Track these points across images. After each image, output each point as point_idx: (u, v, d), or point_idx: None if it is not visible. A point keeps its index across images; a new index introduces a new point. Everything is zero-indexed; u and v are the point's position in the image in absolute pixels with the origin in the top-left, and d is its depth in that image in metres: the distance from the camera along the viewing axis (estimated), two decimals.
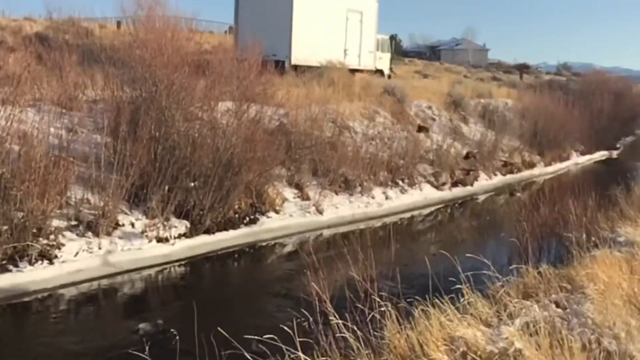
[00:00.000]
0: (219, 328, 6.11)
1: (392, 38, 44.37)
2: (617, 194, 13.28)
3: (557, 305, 7.43)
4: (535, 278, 8.40)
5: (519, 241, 11.56)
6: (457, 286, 7.35)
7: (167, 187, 12.84)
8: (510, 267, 8.83)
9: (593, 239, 10.34)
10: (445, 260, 8.14)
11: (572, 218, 11.75)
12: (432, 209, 19.36)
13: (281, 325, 6.05)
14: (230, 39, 27.18)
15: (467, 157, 22.90)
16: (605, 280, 7.75)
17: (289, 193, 15.99)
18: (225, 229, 13.75)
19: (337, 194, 16.88)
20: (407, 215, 18.32)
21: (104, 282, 11.05)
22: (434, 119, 24.51)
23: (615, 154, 36.30)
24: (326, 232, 15.41)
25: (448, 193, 20.45)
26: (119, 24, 24.17)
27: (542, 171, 26.87)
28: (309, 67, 23.51)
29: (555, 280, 8.26)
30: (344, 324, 6.27)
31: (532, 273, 8.47)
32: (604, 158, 34.55)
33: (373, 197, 17.68)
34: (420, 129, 23.11)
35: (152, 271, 11.80)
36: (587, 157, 32.97)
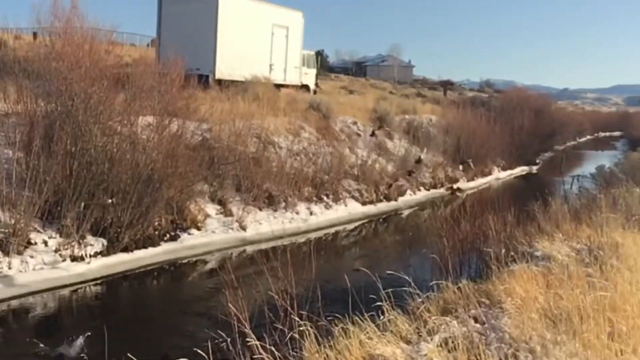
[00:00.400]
0: (129, 353, 5.85)
1: (319, 54, 44.47)
2: (535, 209, 13.51)
3: (476, 321, 7.46)
4: (455, 293, 8.43)
5: (440, 256, 11.63)
6: (378, 303, 7.32)
7: (83, 204, 12.37)
8: (431, 283, 8.86)
9: (512, 253, 10.47)
10: (367, 277, 8.10)
11: (491, 233, 11.93)
12: (357, 224, 19.39)
13: (195, 348, 5.86)
14: (152, 52, 26.63)
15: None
16: (522, 294, 7.83)
17: (212, 209, 15.72)
18: (145, 247, 13.40)
19: (260, 209, 16.71)
20: (332, 230, 18.29)
21: (14, 303, 10.55)
22: (359, 135, 24.62)
23: (535, 169, 37.22)
24: (249, 249, 15.18)
25: (373, 208, 20.53)
26: (35, 35, 23.33)
27: (465, 186, 27.29)
28: (234, 82, 23.21)
29: (474, 295, 8.29)
30: (262, 345, 6.12)
31: (452, 289, 8.50)
32: (524, 173, 35.38)
33: (297, 213, 17.57)
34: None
35: (67, 291, 11.33)
36: (508, 172, 33.69)
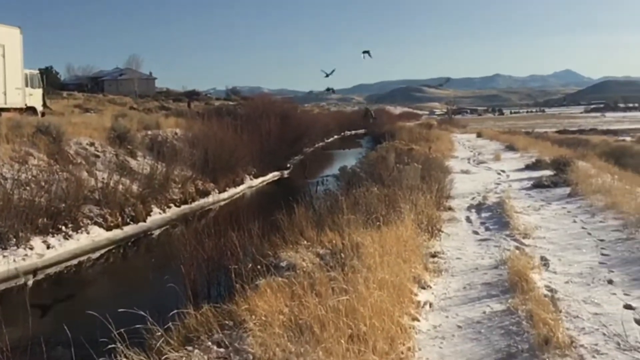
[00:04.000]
0: None
1: (47, 71, 41.65)
2: (280, 218, 13.35)
3: (219, 346, 7.07)
4: (198, 320, 7.95)
5: (186, 280, 11.08)
6: (112, 346, 6.63)
7: None
8: (172, 312, 8.26)
9: (259, 267, 10.17)
10: (106, 316, 7.35)
11: (237, 249, 11.55)
12: (103, 251, 18.15)
13: None
14: None
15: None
16: (266, 309, 7.54)
17: None
18: None
19: None
20: (75, 262, 16.88)
21: None
22: (97, 156, 23.15)
23: (286, 173, 37.93)
24: None
25: (119, 232, 19.35)
26: None
27: (217, 198, 26.92)
28: None
29: (217, 318, 7.92)
30: None
31: (195, 315, 8.01)
32: (276, 178, 35.91)
33: (32, 248, 15.91)
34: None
35: None
36: (261, 179, 33.90)
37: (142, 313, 7.49)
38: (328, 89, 27.97)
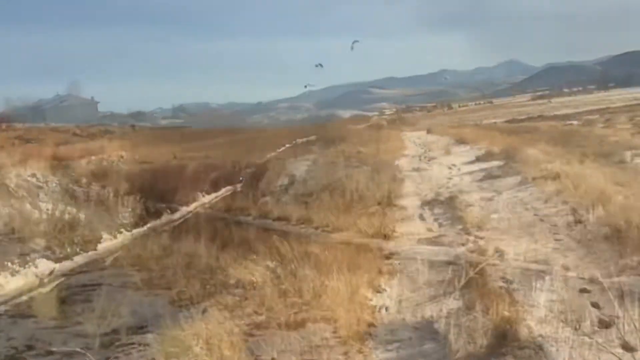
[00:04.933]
0: None
1: None
2: (230, 234, 13.04)
3: None
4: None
5: (133, 309, 10.67)
6: None
7: None
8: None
9: (207, 287, 9.87)
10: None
11: (185, 270, 11.19)
12: (54, 284, 17.46)
13: None
14: None
15: None
16: (214, 332, 7.25)
17: None
18: None
19: None
20: (25, 298, 16.18)
21: None
22: (40, 187, 22.44)
23: (239, 187, 37.39)
24: None
25: (69, 264, 18.66)
26: None
27: (169, 218, 26.10)
28: None
29: (162, 347, 7.58)
30: None
31: (138, 346, 7.68)
32: (229, 193, 35.30)
33: None
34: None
35: None
36: (213, 195, 33.25)
37: (81, 351, 7.19)
38: (305, 86, 28.44)
